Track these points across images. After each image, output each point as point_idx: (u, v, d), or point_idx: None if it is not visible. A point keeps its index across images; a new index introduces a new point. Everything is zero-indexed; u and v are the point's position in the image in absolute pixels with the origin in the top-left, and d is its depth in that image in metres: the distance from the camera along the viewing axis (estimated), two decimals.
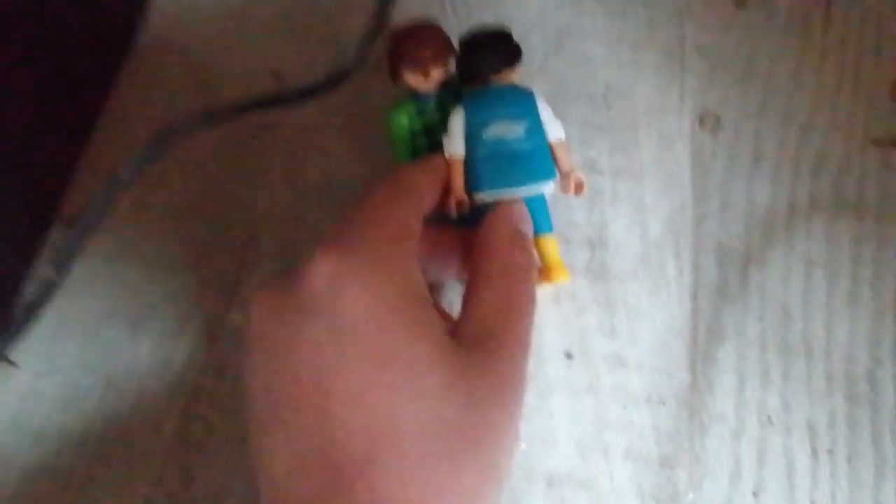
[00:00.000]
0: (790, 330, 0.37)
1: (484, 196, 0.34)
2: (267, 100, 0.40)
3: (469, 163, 0.34)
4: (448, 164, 0.34)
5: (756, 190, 0.40)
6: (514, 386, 0.29)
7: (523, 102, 0.35)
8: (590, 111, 0.42)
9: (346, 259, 0.27)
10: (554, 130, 0.35)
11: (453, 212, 0.34)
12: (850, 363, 0.37)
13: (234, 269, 0.39)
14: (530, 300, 0.32)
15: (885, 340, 0.37)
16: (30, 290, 0.38)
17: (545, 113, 0.35)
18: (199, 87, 0.43)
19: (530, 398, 0.36)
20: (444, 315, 0.34)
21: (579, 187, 0.35)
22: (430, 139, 0.37)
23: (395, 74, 0.37)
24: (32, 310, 0.38)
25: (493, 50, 0.35)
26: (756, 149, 0.41)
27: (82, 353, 0.38)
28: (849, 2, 0.45)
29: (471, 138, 0.34)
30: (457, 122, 0.34)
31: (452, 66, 0.37)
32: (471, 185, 0.34)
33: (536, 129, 0.34)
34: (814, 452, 0.35)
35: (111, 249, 0.40)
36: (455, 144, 0.34)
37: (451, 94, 0.37)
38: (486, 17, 0.45)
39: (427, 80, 0.36)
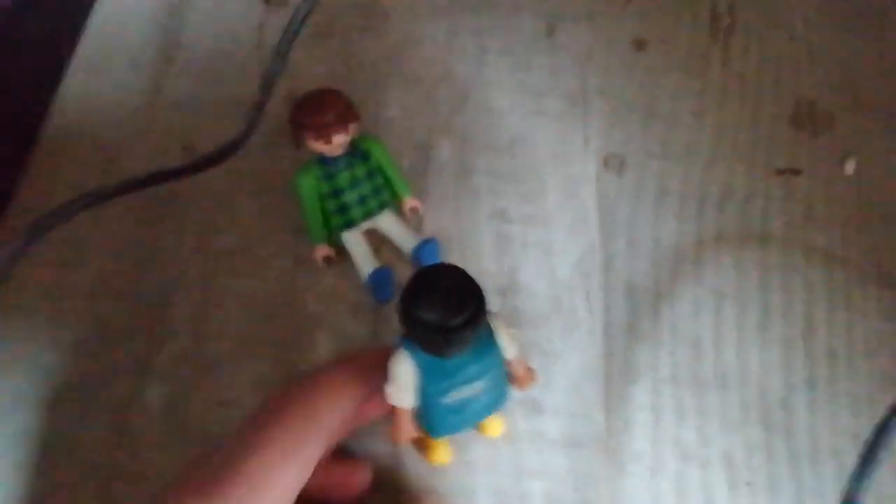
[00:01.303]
0: (703, 363, 0.38)
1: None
2: (171, 171, 0.40)
3: (423, 412, 0.31)
4: (395, 412, 0.30)
5: (662, 226, 0.41)
6: None
7: (486, 353, 0.30)
8: (497, 161, 0.43)
9: None
10: (510, 352, 0.31)
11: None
12: (764, 391, 0.37)
13: (146, 346, 0.39)
14: None
15: (796, 366, 0.37)
16: None
17: (502, 339, 0.30)
18: (110, 167, 0.44)
19: (451, 451, 0.35)
20: None
21: (526, 380, 0.32)
22: (337, 202, 0.38)
23: (298, 141, 0.37)
24: None
25: (467, 329, 0.27)
26: (661, 186, 0.42)
27: None
28: (747, 34, 0.46)
29: (427, 401, 0.30)
30: (404, 374, 0.29)
31: (355, 130, 0.37)
32: (426, 429, 0.32)
33: (497, 371, 0.31)
34: (732, 485, 0.35)
35: (25, 331, 0.39)
36: (404, 399, 0.30)
37: (358, 155, 0.38)
38: (395, 77, 0.46)
39: (331, 146, 0.37)
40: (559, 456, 0.36)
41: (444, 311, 0.27)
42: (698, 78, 0.45)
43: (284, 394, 0.30)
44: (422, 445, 0.35)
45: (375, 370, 0.30)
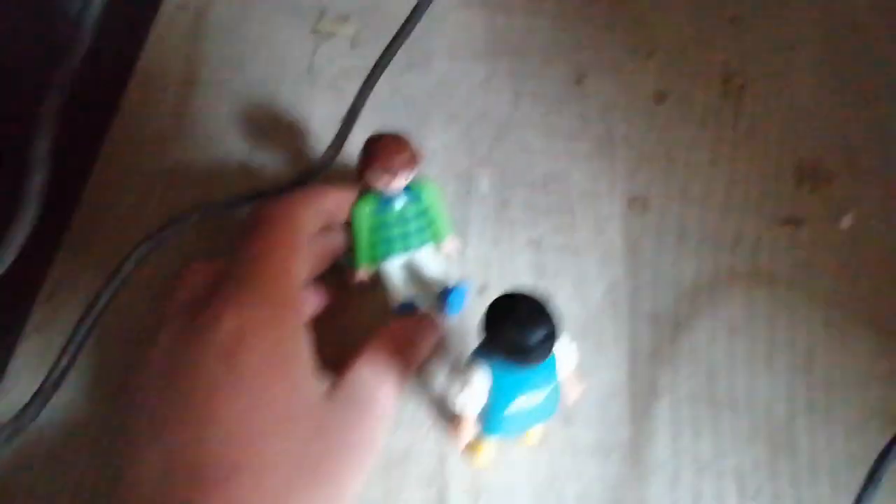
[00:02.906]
0: (717, 387, 0.42)
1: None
2: (252, 195, 0.43)
3: (484, 416, 0.35)
4: (462, 417, 0.36)
5: (683, 264, 0.45)
6: (364, 450, 0.35)
7: (550, 367, 0.34)
8: (532, 195, 0.47)
9: (250, 318, 0.34)
10: (565, 367, 0.36)
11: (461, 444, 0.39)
12: (770, 416, 0.41)
13: None
14: (399, 387, 0.38)
15: (799, 395, 0.42)
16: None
17: (563, 351, 0.35)
18: (172, 179, 0.47)
19: (494, 454, 0.39)
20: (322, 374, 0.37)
21: (575, 394, 0.38)
22: (383, 234, 0.42)
23: (362, 173, 0.40)
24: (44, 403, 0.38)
25: (546, 344, 0.32)
26: (681, 227, 0.46)
27: None
28: (756, 96, 0.52)
29: (493, 404, 0.34)
30: (479, 382, 0.34)
31: (415, 174, 0.41)
32: (483, 430, 0.37)
33: (554, 385, 0.35)
34: (742, 495, 0.39)
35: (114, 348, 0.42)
36: (475, 405, 0.35)
37: (411, 195, 0.42)
38: (436, 113, 0.50)
39: (393, 183, 0.40)
40: (589, 462, 0.40)
41: (527, 328, 0.31)
42: (712, 131, 0.50)
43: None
44: (468, 447, 0.39)
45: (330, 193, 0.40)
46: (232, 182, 0.47)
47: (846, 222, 0.47)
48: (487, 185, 0.48)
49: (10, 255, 0.28)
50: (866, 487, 0.35)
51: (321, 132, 0.49)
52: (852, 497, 0.35)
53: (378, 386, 0.37)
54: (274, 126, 0.50)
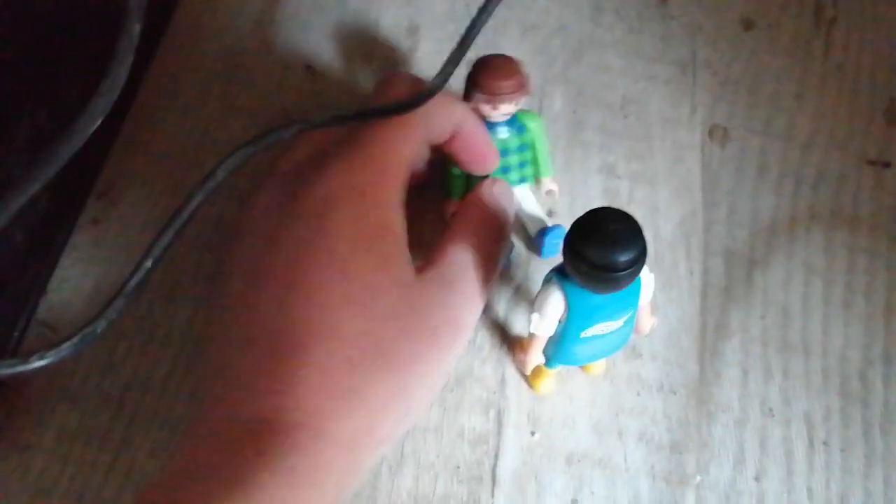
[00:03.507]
0: (790, 330, 0.40)
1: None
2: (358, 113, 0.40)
3: (554, 341, 0.34)
4: (532, 338, 0.35)
5: (761, 200, 0.43)
6: (451, 334, 0.33)
7: (630, 295, 0.32)
8: (608, 118, 0.45)
9: (348, 182, 0.32)
10: (645, 297, 0.34)
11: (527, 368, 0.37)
12: (844, 363, 0.40)
13: None
14: (493, 263, 0.36)
15: (875, 343, 0.40)
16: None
17: (643, 279, 0.33)
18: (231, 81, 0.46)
19: (555, 383, 0.38)
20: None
21: (648, 325, 0.37)
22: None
23: (468, 98, 0.38)
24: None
25: (631, 269, 0.29)
26: (761, 162, 0.44)
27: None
28: (848, 29, 0.49)
29: (567, 330, 0.33)
30: (553, 305, 0.32)
31: (521, 103, 0.38)
32: (549, 357, 0.35)
33: (633, 313, 0.33)
34: (811, 443, 0.38)
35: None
36: (546, 328, 0.33)
37: (515, 126, 0.39)
38: (512, 24, 0.48)
39: (497, 112, 0.38)
40: (654, 399, 0.38)
41: (613, 251, 0.29)
42: (800, 63, 0.48)
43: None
44: (531, 374, 0.38)
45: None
46: (296, 91, 0.46)
47: None
48: (561, 103, 0.46)
49: (108, 100, 0.26)
50: None
51: (390, 43, 0.47)
52: None
53: (470, 266, 0.35)
54: (340, 34, 0.48)
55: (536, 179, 0.41)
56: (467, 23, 0.36)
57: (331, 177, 0.33)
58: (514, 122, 0.39)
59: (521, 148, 0.40)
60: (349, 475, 0.30)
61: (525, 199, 0.41)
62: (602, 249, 0.29)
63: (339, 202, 0.32)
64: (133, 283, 0.27)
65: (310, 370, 0.29)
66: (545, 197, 0.42)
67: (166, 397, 0.38)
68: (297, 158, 0.36)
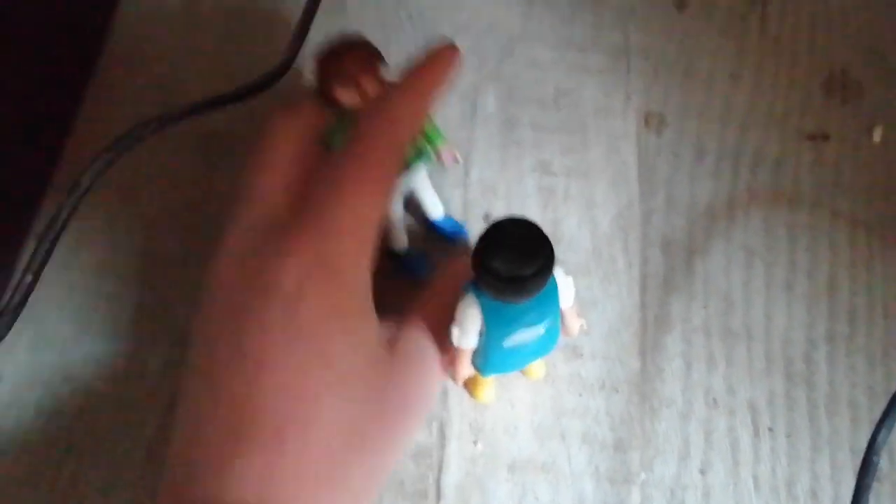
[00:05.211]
0: (732, 316, 0.40)
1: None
2: (215, 100, 0.40)
3: (480, 352, 0.33)
4: (457, 352, 0.33)
5: (698, 185, 0.43)
6: (423, 406, 0.34)
7: (547, 300, 0.32)
8: (541, 114, 0.45)
9: (316, 265, 0.31)
10: (566, 301, 0.33)
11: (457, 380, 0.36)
12: (788, 345, 0.39)
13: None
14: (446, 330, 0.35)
15: (818, 323, 0.40)
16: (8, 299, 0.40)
17: (562, 288, 0.33)
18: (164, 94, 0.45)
19: (496, 390, 0.38)
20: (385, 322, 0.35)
21: (575, 328, 0.36)
22: None
23: (327, 97, 0.35)
24: (11, 321, 0.38)
25: (537, 278, 0.29)
26: (698, 146, 0.44)
27: (61, 363, 0.39)
28: (784, 6, 0.48)
29: (489, 340, 0.32)
30: (471, 319, 0.31)
31: (386, 74, 0.35)
32: (479, 367, 0.34)
33: (554, 318, 0.33)
34: (755, 430, 0.38)
35: (86, 261, 0.41)
36: (468, 340, 0.32)
37: None
38: (444, 26, 0.47)
39: (362, 95, 0.34)
40: (596, 398, 0.38)
41: (517, 261, 0.29)
42: (736, 40, 0.47)
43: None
44: (469, 384, 0.38)
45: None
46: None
47: (877, 135, 0.44)
48: (494, 103, 0.45)
49: None
50: (885, 418, 0.33)
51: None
52: (871, 430, 0.33)
53: (435, 335, 0.34)
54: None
55: (435, 152, 0.38)
56: None
57: (300, 253, 0.31)
58: None
59: None
60: None
61: (424, 186, 0.40)
62: (507, 262, 0.29)
63: (311, 282, 0.30)
64: (16, 299, 0.28)
65: (287, 460, 0.28)
66: (447, 163, 0.38)
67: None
68: (270, 203, 0.33)
